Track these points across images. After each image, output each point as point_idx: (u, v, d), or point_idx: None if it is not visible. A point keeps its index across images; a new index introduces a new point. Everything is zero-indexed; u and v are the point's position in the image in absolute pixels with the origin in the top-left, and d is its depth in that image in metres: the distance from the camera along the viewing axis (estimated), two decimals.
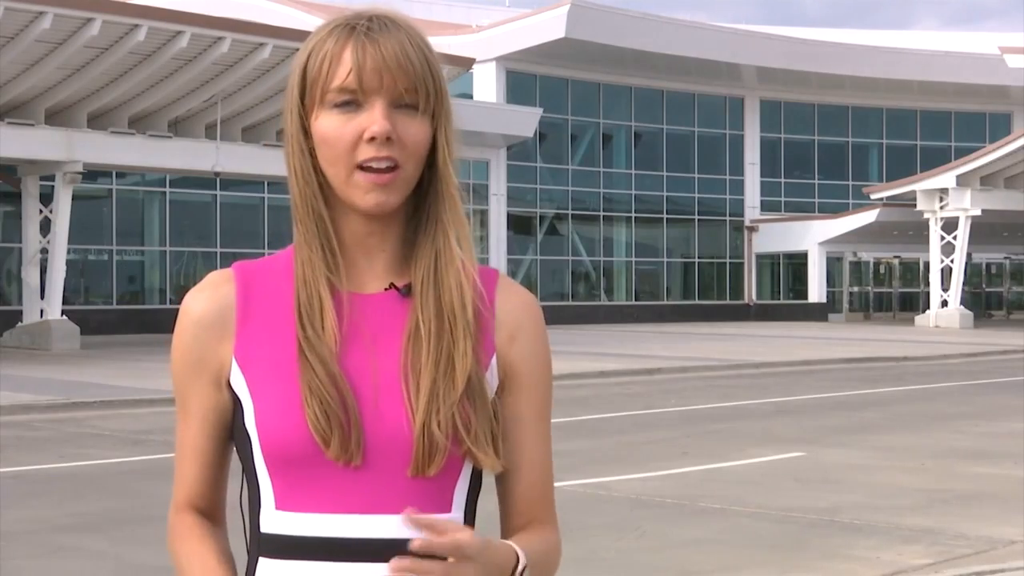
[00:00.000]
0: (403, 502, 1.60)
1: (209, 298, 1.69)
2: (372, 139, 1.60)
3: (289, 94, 1.68)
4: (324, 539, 1.60)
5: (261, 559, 1.64)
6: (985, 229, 42.77)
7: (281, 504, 1.62)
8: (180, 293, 33.49)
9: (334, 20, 1.66)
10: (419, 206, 1.69)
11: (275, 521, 1.62)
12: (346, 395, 1.60)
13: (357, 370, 1.64)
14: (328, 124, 1.62)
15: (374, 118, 1.60)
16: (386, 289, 1.69)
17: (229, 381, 1.66)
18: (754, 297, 49.20)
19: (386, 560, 1.59)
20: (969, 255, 43.36)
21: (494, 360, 1.68)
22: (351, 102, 1.61)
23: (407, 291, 1.68)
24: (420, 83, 1.62)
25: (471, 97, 40.53)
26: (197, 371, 1.68)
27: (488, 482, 1.69)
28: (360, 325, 1.66)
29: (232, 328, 1.66)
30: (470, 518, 1.67)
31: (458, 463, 1.63)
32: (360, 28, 1.62)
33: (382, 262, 1.69)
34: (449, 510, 1.63)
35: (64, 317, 26.66)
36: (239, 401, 1.65)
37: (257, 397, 1.63)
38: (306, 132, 1.66)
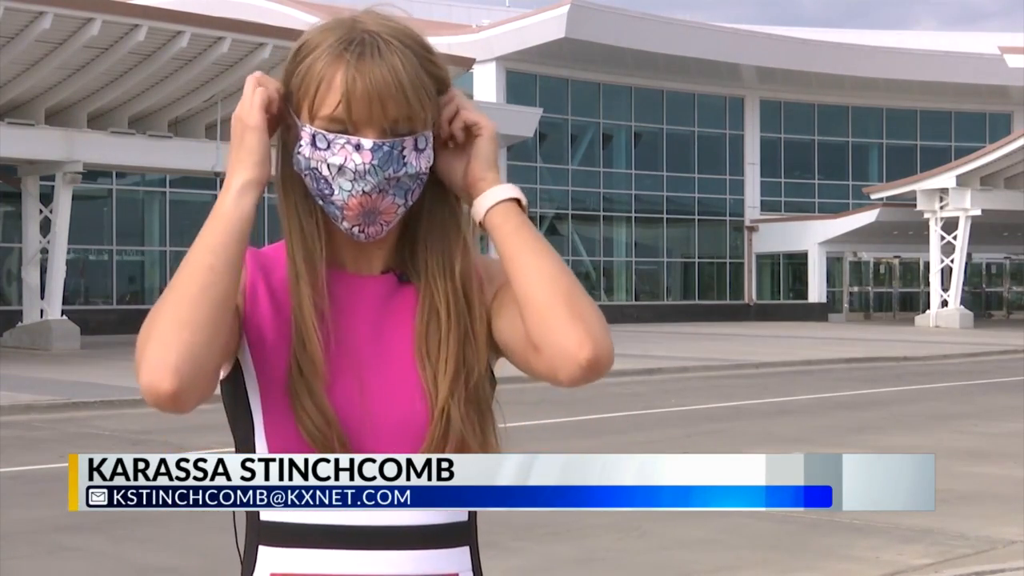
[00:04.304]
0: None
1: None
2: None
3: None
4: (327, 527, 1.59)
5: (261, 547, 1.63)
6: (985, 229, 42.75)
7: None
8: None
9: (327, 32, 1.62)
10: (423, 196, 1.69)
11: (276, 509, 1.61)
12: (333, 425, 1.59)
13: (364, 355, 1.64)
14: None
15: None
16: (382, 272, 1.69)
17: (237, 348, 1.65)
18: (754, 297, 49.19)
19: (389, 548, 1.59)
20: (969, 255, 43.34)
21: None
22: (342, 131, 1.60)
23: (406, 276, 1.69)
24: (415, 107, 1.60)
25: (471, 97, 40.47)
26: None
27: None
28: (361, 307, 1.66)
29: (242, 308, 1.66)
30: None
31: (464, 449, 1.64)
32: (352, 52, 1.58)
33: (379, 252, 1.70)
34: None
35: (64, 317, 26.64)
36: (243, 377, 1.65)
37: (264, 382, 1.63)
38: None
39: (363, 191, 1.58)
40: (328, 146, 1.58)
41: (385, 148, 1.57)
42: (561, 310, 1.55)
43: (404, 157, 1.58)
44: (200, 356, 1.49)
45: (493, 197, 1.64)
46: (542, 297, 1.57)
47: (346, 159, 1.57)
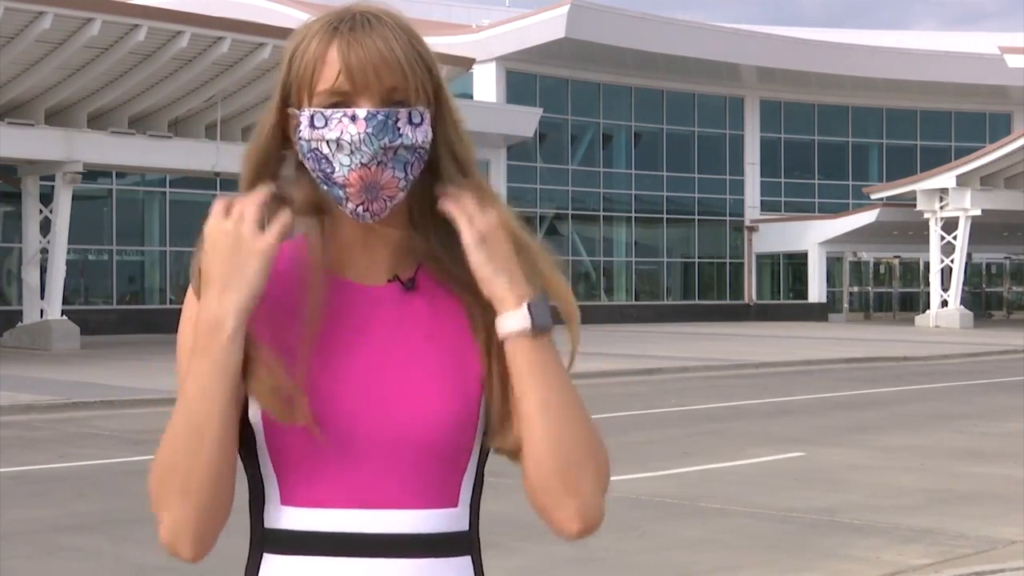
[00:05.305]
0: (409, 497, 1.59)
1: None
2: None
3: (272, 104, 1.65)
4: (331, 534, 1.58)
5: (265, 555, 1.62)
6: (985, 229, 42.77)
7: (287, 499, 1.60)
8: (180, 293, 33.48)
9: (317, 20, 1.64)
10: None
11: (280, 516, 1.60)
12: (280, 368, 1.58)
13: (366, 367, 1.62)
14: None
15: None
16: (389, 281, 1.68)
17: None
18: (754, 297, 49.20)
19: (393, 555, 1.58)
20: (969, 255, 43.35)
21: None
22: (340, 104, 1.59)
23: (411, 284, 1.67)
24: (411, 77, 1.59)
25: (471, 97, 40.50)
26: None
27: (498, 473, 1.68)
28: (367, 317, 1.65)
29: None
30: (474, 514, 1.67)
31: (465, 456, 1.63)
32: (343, 28, 1.59)
33: (384, 255, 1.68)
34: (456, 504, 1.63)
35: (64, 317, 26.66)
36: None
37: None
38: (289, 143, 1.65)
39: (361, 163, 1.58)
40: (325, 123, 1.59)
41: (379, 117, 1.57)
42: (558, 482, 1.57)
43: (399, 128, 1.59)
44: (214, 511, 1.56)
45: (502, 328, 1.60)
46: (542, 462, 1.57)
47: (342, 132, 1.58)
